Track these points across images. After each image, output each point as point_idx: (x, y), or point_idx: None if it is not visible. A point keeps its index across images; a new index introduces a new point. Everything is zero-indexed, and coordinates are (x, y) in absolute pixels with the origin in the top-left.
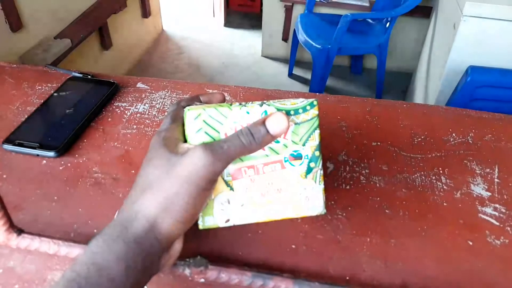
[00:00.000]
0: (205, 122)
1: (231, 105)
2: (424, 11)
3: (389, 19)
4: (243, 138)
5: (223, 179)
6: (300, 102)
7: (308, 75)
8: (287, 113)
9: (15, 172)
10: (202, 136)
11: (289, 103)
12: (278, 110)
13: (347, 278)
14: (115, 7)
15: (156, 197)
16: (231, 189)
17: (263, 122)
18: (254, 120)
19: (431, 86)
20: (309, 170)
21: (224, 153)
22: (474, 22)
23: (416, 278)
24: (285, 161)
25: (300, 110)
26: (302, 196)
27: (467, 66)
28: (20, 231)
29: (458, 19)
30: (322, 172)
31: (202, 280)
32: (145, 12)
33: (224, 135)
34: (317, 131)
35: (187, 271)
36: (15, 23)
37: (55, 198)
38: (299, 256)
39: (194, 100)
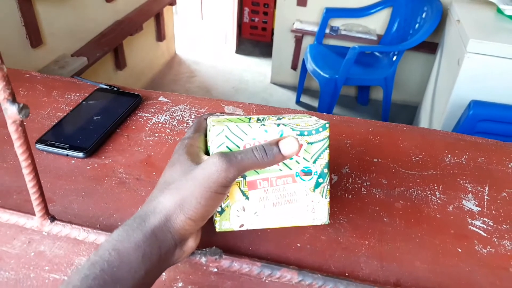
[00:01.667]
0: (227, 137)
1: (250, 119)
2: (430, 47)
3: (396, 53)
4: (257, 153)
5: (240, 189)
6: (313, 124)
7: (315, 103)
8: (301, 133)
9: (46, 169)
10: (223, 149)
11: (304, 124)
12: (294, 130)
13: (347, 274)
14: (131, 29)
15: (173, 195)
16: (247, 198)
17: (276, 143)
18: (271, 138)
19: (435, 119)
20: (317, 185)
21: (238, 163)
22: (477, 59)
23: (409, 278)
24: (296, 175)
25: (313, 132)
26: (309, 208)
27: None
28: (53, 218)
29: (462, 55)
30: (329, 187)
31: (215, 269)
32: (160, 35)
33: (243, 148)
34: (327, 151)
35: (203, 259)
36: (35, 40)
37: (83, 193)
38: (303, 253)
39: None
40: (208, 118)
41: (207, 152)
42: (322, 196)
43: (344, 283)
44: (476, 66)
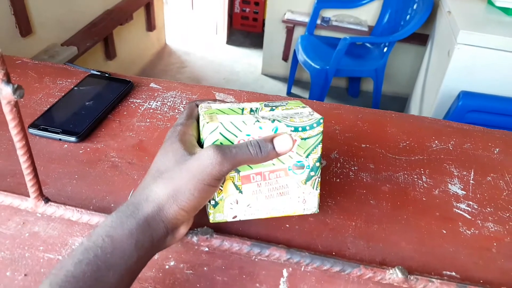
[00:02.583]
0: (221, 134)
1: (242, 110)
2: (421, 38)
3: (386, 44)
4: (251, 149)
5: (233, 183)
6: (307, 118)
7: (306, 94)
8: (295, 129)
9: (40, 153)
10: None
11: (298, 119)
12: (288, 126)
13: (334, 253)
14: (121, 19)
15: (166, 185)
16: (240, 192)
17: (271, 140)
18: (265, 135)
19: (425, 110)
20: (309, 178)
21: (232, 157)
22: (467, 50)
23: (394, 257)
24: (289, 169)
25: (308, 127)
26: (300, 198)
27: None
28: (47, 200)
29: (452, 46)
30: (320, 179)
31: (206, 249)
32: (150, 25)
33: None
34: (320, 145)
35: (195, 239)
36: (25, 29)
37: (76, 176)
38: (291, 233)
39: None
40: (199, 107)
41: (199, 140)
42: (313, 188)
43: (331, 261)
44: (466, 57)
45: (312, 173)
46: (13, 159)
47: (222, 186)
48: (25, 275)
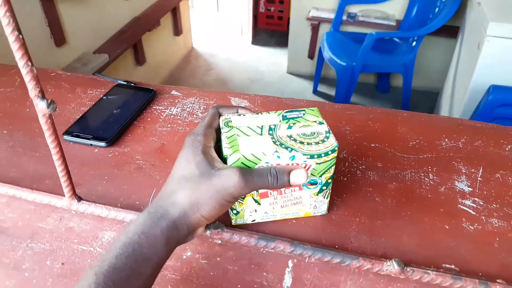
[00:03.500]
0: (243, 163)
1: (262, 129)
2: (451, 31)
3: (415, 38)
4: (270, 179)
5: (253, 198)
6: (324, 148)
7: (332, 92)
8: (311, 157)
9: (73, 157)
10: None
11: (315, 149)
12: (304, 155)
13: (336, 246)
14: (149, 25)
15: (191, 195)
16: (258, 204)
17: (289, 173)
18: (283, 163)
19: (455, 105)
20: (321, 191)
21: (253, 184)
22: (497, 42)
23: (396, 251)
24: (303, 185)
25: (323, 155)
26: (312, 206)
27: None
28: (80, 199)
29: (482, 39)
30: (330, 191)
31: (219, 241)
32: (177, 30)
33: None
34: (333, 167)
35: (208, 232)
36: (59, 39)
37: (105, 177)
38: (297, 228)
39: (233, 110)
40: (220, 121)
41: (217, 150)
42: (324, 197)
43: (331, 253)
44: (497, 50)
45: (324, 188)
46: (51, 163)
47: (242, 200)
48: (62, 264)
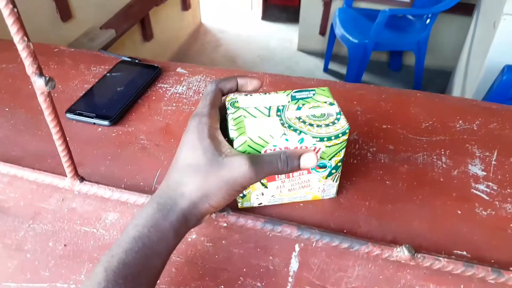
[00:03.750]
0: (249, 146)
1: (269, 110)
2: (467, 9)
3: (429, 15)
4: (280, 164)
5: (260, 181)
6: (334, 130)
7: (343, 70)
8: (321, 139)
9: (76, 136)
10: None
11: (325, 131)
12: (314, 138)
13: (345, 231)
14: (157, 0)
15: (201, 187)
16: (265, 187)
17: (299, 157)
18: (291, 146)
19: (468, 85)
20: (330, 174)
21: (262, 171)
22: None
23: (406, 236)
24: (312, 169)
25: (333, 137)
26: (320, 189)
27: None
28: (82, 179)
29: (498, 17)
30: (340, 174)
31: (225, 224)
32: (185, 5)
33: (263, 153)
34: (344, 149)
35: (213, 215)
36: (65, 14)
37: (109, 157)
38: (305, 212)
39: (232, 82)
40: (226, 101)
41: (222, 130)
42: (333, 181)
43: (339, 238)
44: None
45: (333, 171)
46: (53, 142)
47: None
48: (65, 245)
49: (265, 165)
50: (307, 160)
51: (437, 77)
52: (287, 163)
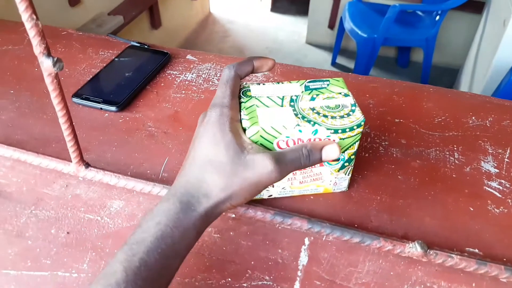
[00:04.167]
0: (262, 137)
1: (283, 100)
2: (476, 6)
3: (439, 12)
4: (303, 160)
5: None
6: (349, 122)
7: (351, 65)
8: (335, 131)
9: (82, 121)
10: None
11: (339, 123)
12: (328, 129)
13: (356, 225)
14: None
15: (225, 189)
16: None
17: (321, 149)
18: (305, 138)
19: (475, 83)
20: (342, 167)
21: (286, 171)
22: None
23: (417, 232)
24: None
25: (347, 129)
26: (332, 182)
27: None
28: (88, 165)
29: (508, 15)
30: (352, 167)
31: (233, 215)
32: None
33: (276, 144)
34: (358, 142)
35: None
36: None
37: (115, 144)
38: (316, 205)
39: (249, 65)
40: (241, 92)
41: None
42: (346, 174)
43: (351, 232)
44: None
45: (346, 164)
46: (58, 127)
47: None
48: (68, 233)
49: (289, 163)
50: (330, 152)
51: (444, 75)
52: (309, 157)
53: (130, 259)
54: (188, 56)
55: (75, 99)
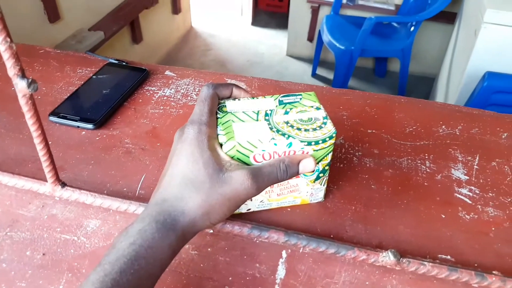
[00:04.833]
0: (238, 151)
1: (258, 114)
2: (449, 17)
3: (413, 23)
4: (279, 174)
5: None
6: (321, 134)
7: (331, 76)
8: (309, 144)
9: (58, 140)
10: (234, 159)
11: (312, 135)
12: (302, 142)
13: (332, 236)
14: (147, 2)
15: (202, 206)
16: None
17: (298, 163)
18: (280, 151)
19: (451, 91)
20: (317, 178)
21: (264, 185)
22: (494, 30)
23: (391, 241)
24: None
25: (320, 141)
26: (308, 193)
27: None
28: (64, 184)
29: (479, 25)
30: (327, 177)
31: (211, 231)
32: (176, 8)
33: (253, 158)
34: (331, 153)
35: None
36: (53, 15)
37: (92, 162)
38: (292, 217)
39: (229, 89)
40: (217, 108)
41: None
42: (321, 184)
43: (326, 243)
44: (493, 37)
45: (321, 175)
46: (34, 146)
47: None
48: (43, 254)
49: (266, 177)
50: (307, 166)
51: (421, 83)
52: (287, 172)
53: (102, 280)
54: (167, 72)
55: (52, 118)
